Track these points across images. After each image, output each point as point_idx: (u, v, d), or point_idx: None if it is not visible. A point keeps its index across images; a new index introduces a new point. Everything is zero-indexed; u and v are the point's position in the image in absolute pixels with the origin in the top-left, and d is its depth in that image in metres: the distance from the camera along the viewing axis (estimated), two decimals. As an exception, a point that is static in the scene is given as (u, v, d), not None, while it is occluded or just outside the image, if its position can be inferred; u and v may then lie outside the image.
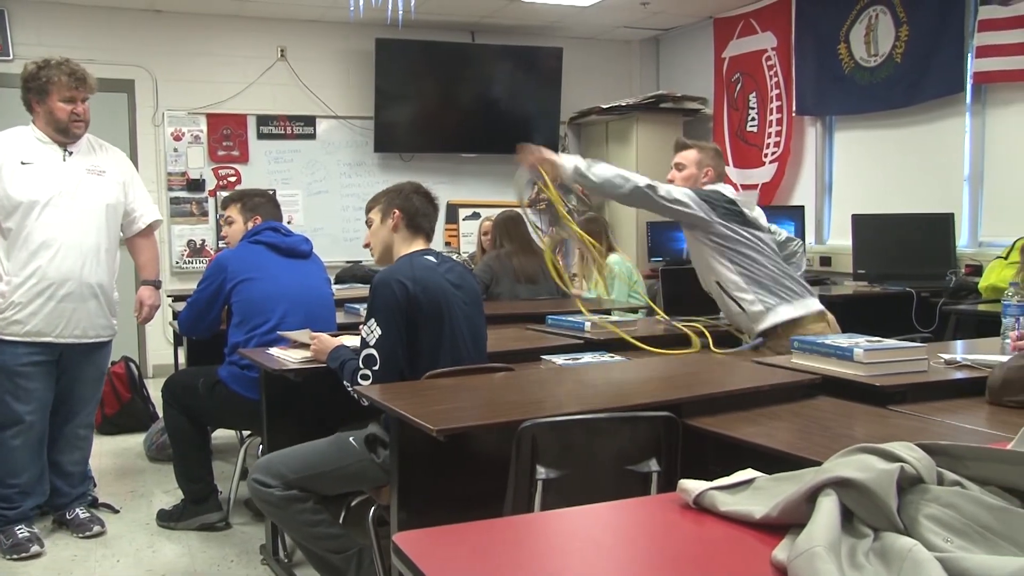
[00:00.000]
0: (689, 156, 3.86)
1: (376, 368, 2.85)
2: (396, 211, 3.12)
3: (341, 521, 3.11)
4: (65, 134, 3.84)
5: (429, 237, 3.19)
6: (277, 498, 2.93)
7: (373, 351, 2.86)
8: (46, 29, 7.14)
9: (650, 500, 2.01)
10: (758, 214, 3.77)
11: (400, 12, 5.85)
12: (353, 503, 3.11)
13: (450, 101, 8.15)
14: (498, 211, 5.93)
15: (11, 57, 7.06)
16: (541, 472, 2.23)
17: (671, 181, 3.85)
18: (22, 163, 3.77)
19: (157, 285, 4.23)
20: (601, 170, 3.45)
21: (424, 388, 2.70)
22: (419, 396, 2.55)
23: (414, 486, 2.54)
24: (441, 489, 2.58)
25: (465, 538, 1.46)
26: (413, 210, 3.14)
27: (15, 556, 3.72)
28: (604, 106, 8.11)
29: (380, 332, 2.86)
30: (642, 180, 3.49)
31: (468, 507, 2.47)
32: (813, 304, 3.61)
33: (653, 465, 2.30)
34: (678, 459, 2.31)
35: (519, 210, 5.20)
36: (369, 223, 3.20)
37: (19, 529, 3.81)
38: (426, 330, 2.91)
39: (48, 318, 3.77)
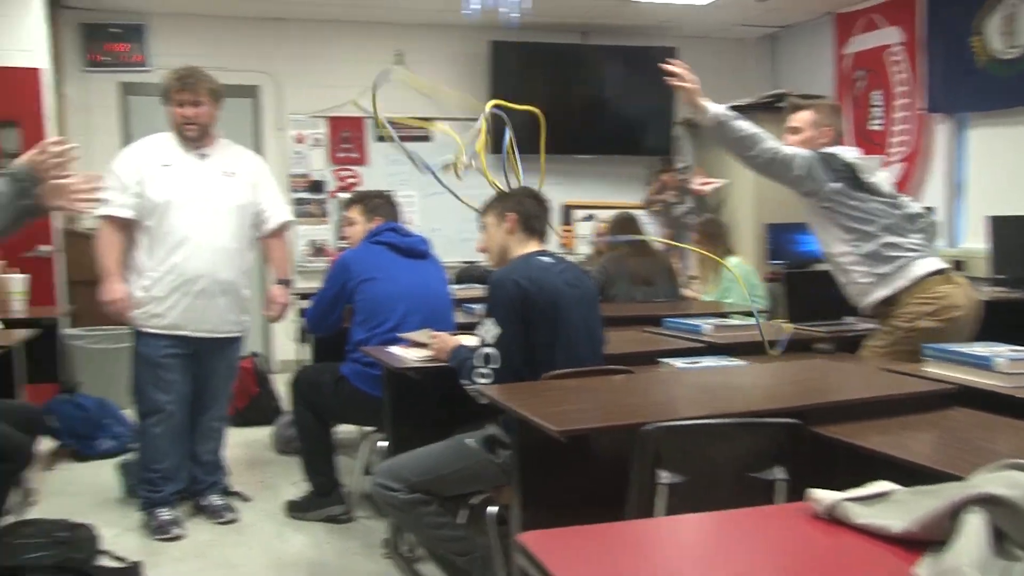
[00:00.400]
0: (804, 117, 3.76)
1: (494, 366, 2.87)
2: (510, 214, 3.14)
3: (464, 521, 3.14)
4: (181, 136, 3.98)
5: (543, 238, 3.20)
6: (401, 501, 2.98)
7: (491, 349, 2.88)
8: (181, 40, 7.39)
9: (778, 509, 1.97)
10: (880, 179, 3.62)
11: (514, 14, 5.86)
12: (473, 502, 3.12)
13: (563, 102, 8.08)
14: (613, 212, 5.91)
15: (151, 68, 7.35)
16: (663, 476, 2.21)
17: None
18: (162, 165, 3.94)
19: (288, 284, 4.33)
20: (743, 123, 3.40)
21: (544, 389, 2.71)
22: (539, 397, 2.55)
23: (534, 486, 2.54)
24: (560, 490, 2.58)
25: (590, 539, 1.46)
26: (526, 213, 3.16)
27: (159, 537, 3.92)
28: (719, 105, 7.94)
29: (498, 330, 2.88)
30: (769, 143, 3.44)
31: (587, 508, 2.46)
32: (929, 264, 3.48)
33: (778, 473, 2.25)
34: (804, 468, 2.26)
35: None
36: (484, 227, 3.23)
37: (162, 512, 4.00)
38: (541, 328, 2.92)
39: (184, 312, 3.93)
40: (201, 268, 3.92)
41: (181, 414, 4.07)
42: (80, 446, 5.20)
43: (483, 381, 2.87)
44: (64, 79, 7.17)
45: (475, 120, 7.84)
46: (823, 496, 1.51)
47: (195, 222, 3.92)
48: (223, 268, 3.97)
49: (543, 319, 2.92)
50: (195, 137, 3.99)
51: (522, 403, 2.44)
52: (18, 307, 4.93)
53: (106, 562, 3.59)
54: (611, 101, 8.19)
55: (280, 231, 4.29)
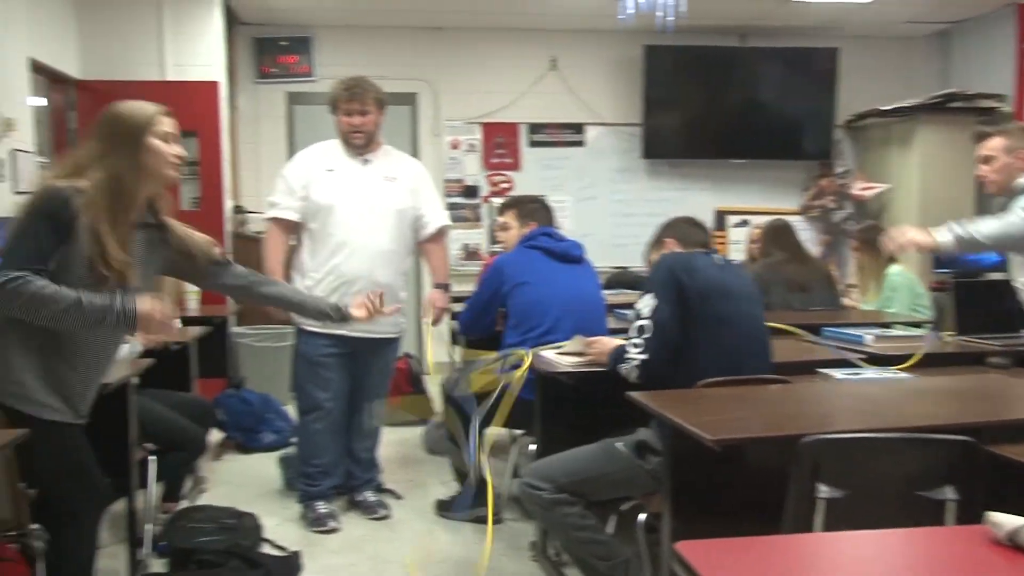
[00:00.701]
0: (995, 144, 3.56)
1: (647, 336, 2.88)
2: (668, 240, 3.22)
3: (613, 528, 3.11)
4: (348, 144, 4.10)
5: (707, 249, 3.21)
6: (546, 501, 2.98)
7: (646, 321, 2.90)
8: (344, 51, 7.61)
9: (951, 531, 1.87)
10: None
11: (670, 18, 5.78)
12: (622, 509, 3.09)
13: (718, 106, 7.96)
14: (767, 218, 5.76)
15: (316, 78, 7.62)
16: (823, 490, 2.14)
17: (982, 177, 3.60)
18: (327, 170, 4.08)
19: (446, 288, 4.39)
20: (982, 226, 3.27)
21: (697, 397, 2.67)
22: (692, 405, 2.52)
23: (686, 495, 2.51)
24: (712, 499, 2.53)
25: (747, 552, 1.43)
26: (684, 233, 3.21)
27: (316, 529, 4.04)
28: (884, 108, 7.64)
29: (654, 303, 2.90)
30: (1006, 222, 3.34)
31: (740, 520, 2.40)
32: None
33: (949, 493, 2.14)
34: (977, 489, 2.14)
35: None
36: (650, 262, 3.27)
37: (319, 505, 4.12)
38: (697, 316, 2.88)
39: None
40: (360, 270, 4.01)
41: (338, 412, 4.18)
42: (244, 439, 5.42)
43: (635, 351, 2.89)
44: (237, 91, 7.51)
45: (628, 125, 7.84)
46: (1004, 520, 1.42)
47: (356, 225, 4.03)
48: (381, 270, 4.06)
49: (698, 307, 2.89)
50: (361, 144, 4.10)
51: (675, 411, 2.41)
52: (192, 306, 5.18)
53: (268, 550, 3.73)
54: (768, 104, 7.98)
55: (439, 236, 4.35)
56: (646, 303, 2.91)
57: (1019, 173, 3.45)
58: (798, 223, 6.15)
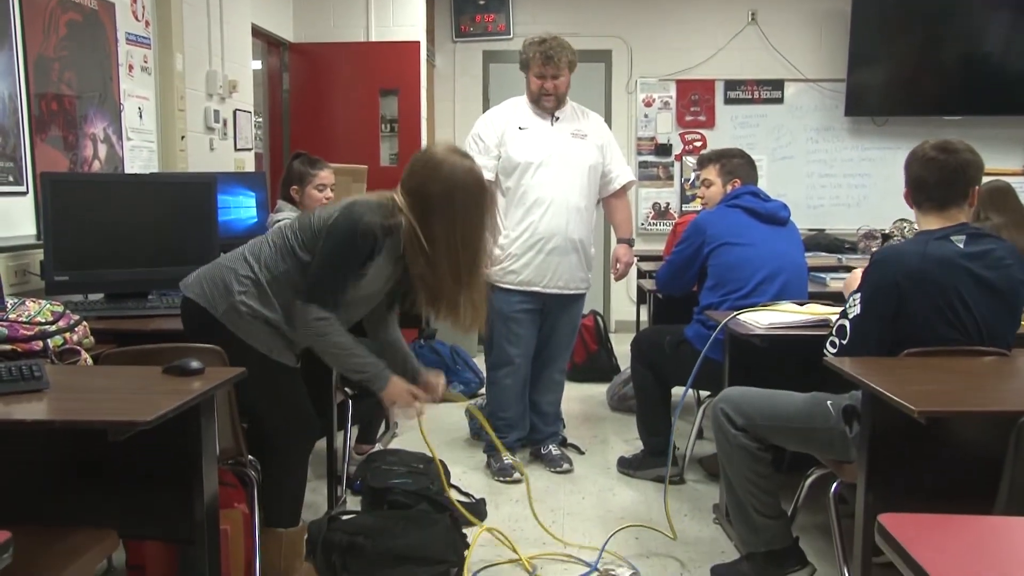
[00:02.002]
0: None
1: (844, 342, 2.68)
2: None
3: (801, 495, 3.01)
4: (537, 105, 4.12)
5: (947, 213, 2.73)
6: (731, 433, 2.93)
7: (846, 323, 2.69)
8: (540, 9, 7.68)
9: None
10: None
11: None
12: (813, 477, 2.99)
13: (931, 59, 7.49)
14: (985, 180, 5.38)
15: (512, 36, 7.69)
16: (1042, 472, 2.00)
17: None
18: (519, 128, 4.11)
19: (631, 243, 4.37)
20: None
21: (903, 366, 2.51)
22: (896, 374, 2.38)
23: (883, 467, 2.39)
24: (912, 474, 2.41)
25: (957, 531, 1.35)
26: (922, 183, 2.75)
27: (501, 478, 4.13)
28: None
29: (859, 310, 2.65)
30: None
31: (941, 497, 2.29)
32: None
33: None
34: None
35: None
36: None
37: (505, 456, 4.17)
38: (918, 316, 2.61)
39: (537, 269, 4.08)
40: (555, 227, 4.04)
41: (526, 367, 4.24)
42: (435, 388, 5.56)
43: (831, 350, 2.72)
44: (435, 50, 7.66)
45: (831, 80, 7.52)
46: None
47: (550, 182, 4.05)
48: (575, 227, 4.08)
49: (923, 306, 2.60)
50: (552, 107, 4.12)
51: (877, 378, 2.30)
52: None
53: (454, 495, 3.82)
54: (991, 56, 7.42)
55: (623, 191, 4.33)
56: (854, 303, 2.67)
57: None
58: (1020, 185, 5.69)
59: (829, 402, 2.78)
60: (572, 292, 4.18)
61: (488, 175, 4.05)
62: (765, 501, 2.92)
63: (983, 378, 2.46)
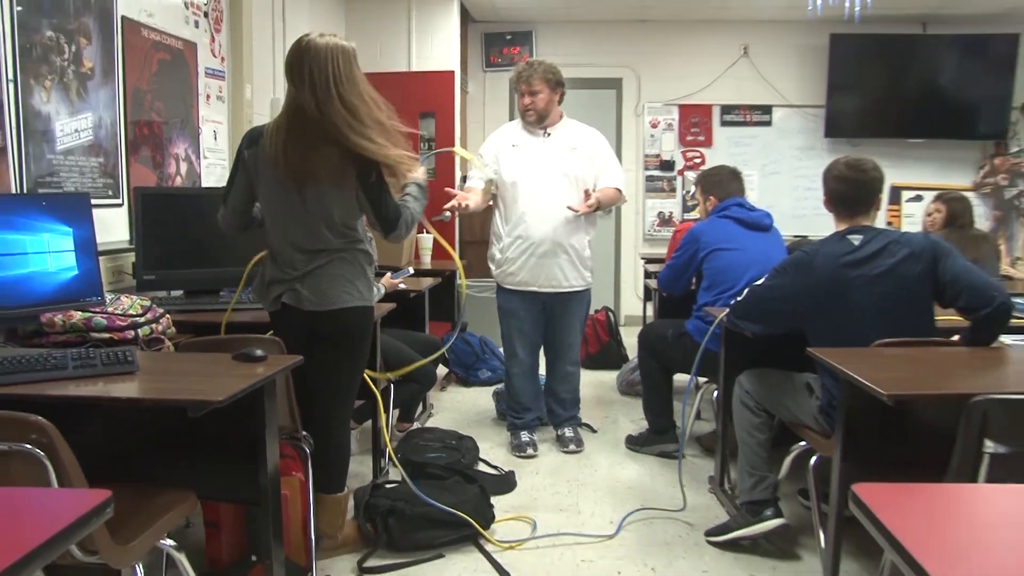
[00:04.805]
0: None
1: (740, 299, 3.05)
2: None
3: (787, 467, 3.07)
4: (524, 121, 4.11)
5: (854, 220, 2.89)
6: (739, 403, 3.18)
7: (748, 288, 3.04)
8: (560, 41, 7.67)
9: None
10: None
11: (857, 9, 5.47)
12: (795, 451, 3.02)
13: (898, 89, 7.50)
14: (937, 193, 5.39)
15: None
16: (989, 446, 2.02)
17: None
18: (512, 146, 4.11)
19: (598, 204, 3.96)
20: None
21: (873, 355, 2.54)
22: (868, 362, 2.40)
23: (857, 442, 2.43)
24: (880, 448, 2.44)
25: (919, 497, 1.38)
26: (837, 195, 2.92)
27: (517, 454, 4.13)
28: (1064, 91, 6.98)
29: (762, 280, 2.97)
30: None
31: (905, 469, 2.32)
32: None
33: (1117, 455, 1.97)
34: None
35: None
36: None
37: (523, 434, 4.22)
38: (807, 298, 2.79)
39: (531, 272, 4.07)
40: (544, 233, 4.01)
41: (530, 359, 4.25)
42: (465, 374, 5.61)
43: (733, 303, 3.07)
44: (468, 78, 7.71)
45: (812, 106, 7.49)
46: None
47: (539, 193, 4.01)
48: (564, 232, 4.02)
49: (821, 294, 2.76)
50: (533, 120, 4.07)
51: (852, 366, 2.32)
52: (426, 260, 5.39)
53: (483, 468, 3.87)
54: (946, 87, 7.46)
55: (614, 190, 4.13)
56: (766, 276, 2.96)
57: None
58: (971, 198, 5.65)
59: (808, 381, 2.93)
60: (567, 290, 4.13)
61: (479, 184, 4.13)
62: (754, 461, 3.07)
63: (941, 365, 2.47)
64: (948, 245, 2.76)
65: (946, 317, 2.90)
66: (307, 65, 2.61)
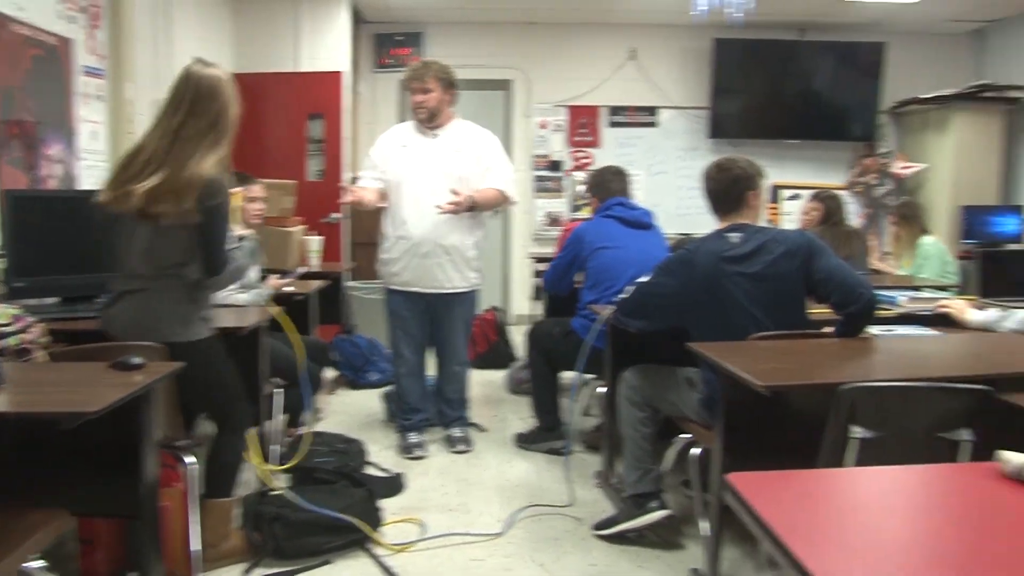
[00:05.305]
0: None
1: (624, 297, 3.09)
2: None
3: (675, 459, 3.13)
4: (416, 119, 4.08)
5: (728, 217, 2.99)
6: (624, 399, 3.21)
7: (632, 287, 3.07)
8: (451, 43, 7.62)
9: (965, 467, 1.84)
10: None
11: (739, 14, 5.66)
12: (678, 444, 3.09)
13: (777, 93, 7.80)
14: (814, 191, 5.65)
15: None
16: (856, 432, 2.12)
17: None
18: (402, 146, 4.07)
19: (473, 203, 3.93)
20: (1011, 323, 3.11)
21: (750, 349, 2.64)
22: (745, 355, 2.49)
23: (735, 432, 2.50)
24: (758, 438, 2.52)
25: (789, 484, 1.43)
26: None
27: (406, 456, 4.11)
28: (924, 96, 7.39)
29: (646, 278, 3.02)
30: None
31: (781, 456, 2.39)
32: None
33: (965, 435, 2.10)
34: (991, 432, 2.09)
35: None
36: None
37: (411, 435, 4.20)
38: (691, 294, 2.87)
39: (413, 272, 4.04)
40: (427, 234, 3.96)
41: (416, 358, 4.22)
42: (354, 376, 5.54)
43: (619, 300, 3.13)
44: (358, 79, 7.61)
45: (696, 108, 7.72)
46: (1012, 457, 1.39)
47: (421, 193, 3.96)
48: (446, 233, 3.98)
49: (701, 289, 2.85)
50: (425, 119, 4.04)
51: (731, 360, 2.40)
52: (314, 262, 5.30)
53: (372, 471, 3.83)
54: (822, 92, 7.80)
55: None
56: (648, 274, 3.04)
57: None
58: (845, 196, 5.93)
59: (686, 376, 3.02)
60: (451, 291, 4.10)
61: (375, 184, 4.07)
62: (639, 455, 3.13)
63: (814, 356, 2.57)
64: (822, 243, 2.88)
65: (819, 310, 3.03)
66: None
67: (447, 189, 3.91)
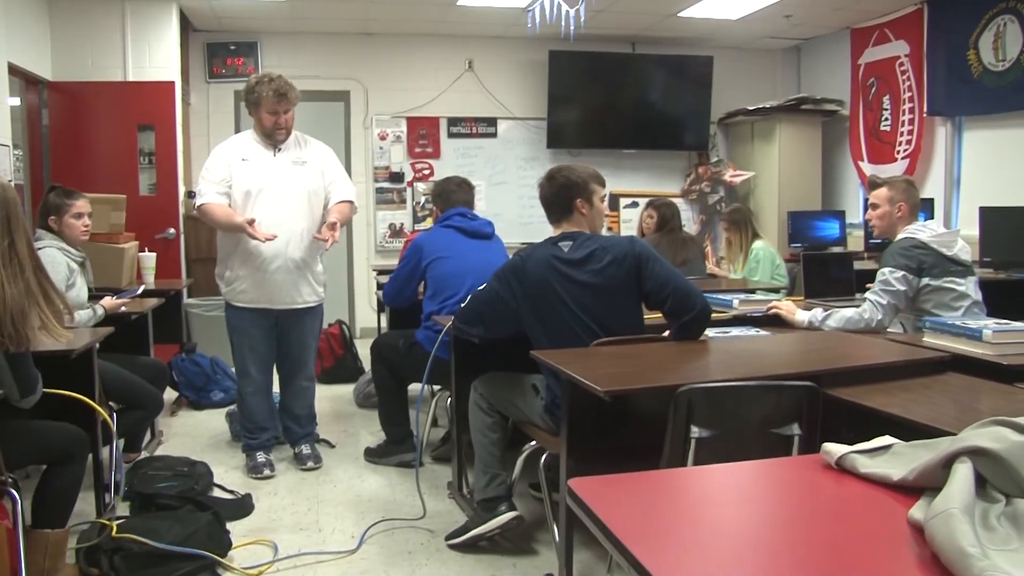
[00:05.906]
0: (881, 194, 3.56)
1: (464, 304, 3.13)
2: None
3: (520, 465, 3.17)
4: (270, 138, 3.95)
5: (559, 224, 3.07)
6: (474, 406, 3.24)
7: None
8: (286, 53, 7.47)
9: (794, 460, 1.95)
10: (960, 249, 3.40)
11: (572, 27, 5.83)
12: (527, 451, 3.14)
13: (612, 104, 8.06)
14: (651, 199, 5.90)
15: (261, 77, 7.46)
16: (695, 431, 2.21)
17: (868, 220, 3.66)
18: (243, 160, 3.93)
19: (334, 227, 3.86)
20: (832, 321, 3.33)
21: (591, 355, 2.70)
22: (586, 361, 2.55)
23: (581, 438, 2.55)
24: (603, 441, 2.58)
25: (630, 486, 1.46)
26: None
27: (254, 476, 3.99)
28: (750, 108, 7.86)
29: (483, 286, 3.07)
30: (858, 314, 3.33)
31: (626, 459, 2.47)
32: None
33: (795, 429, 2.24)
34: (818, 425, 2.24)
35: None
36: None
37: (259, 455, 4.07)
38: (527, 300, 2.93)
39: (263, 288, 3.93)
40: (276, 249, 3.86)
41: (263, 377, 4.12)
42: (196, 397, 5.33)
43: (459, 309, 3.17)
44: (190, 90, 7.33)
45: (535, 119, 7.86)
46: (834, 449, 1.50)
47: (270, 208, 3.86)
48: (295, 248, 3.92)
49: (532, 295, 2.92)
50: (283, 139, 3.96)
51: (573, 366, 2.44)
52: (149, 279, 5.06)
53: (219, 493, 3.69)
54: (655, 103, 8.12)
55: (345, 204, 4.07)
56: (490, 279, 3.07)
57: (898, 221, 3.51)
58: (680, 204, 6.24)
59: (534, 383, 3.06)
60: (300, 306, 4.04)
61: (222, 200, 3.89)
62: (488, 460, 3.15)
63: (653, 360, 2.65)
64: (651, 251, 2.96)
65: (658, 315, 3.15)
66: None
67: (295, 203, 3.88)
